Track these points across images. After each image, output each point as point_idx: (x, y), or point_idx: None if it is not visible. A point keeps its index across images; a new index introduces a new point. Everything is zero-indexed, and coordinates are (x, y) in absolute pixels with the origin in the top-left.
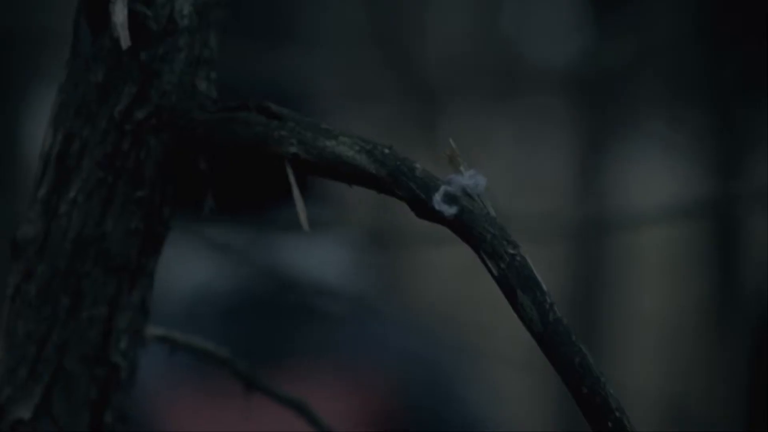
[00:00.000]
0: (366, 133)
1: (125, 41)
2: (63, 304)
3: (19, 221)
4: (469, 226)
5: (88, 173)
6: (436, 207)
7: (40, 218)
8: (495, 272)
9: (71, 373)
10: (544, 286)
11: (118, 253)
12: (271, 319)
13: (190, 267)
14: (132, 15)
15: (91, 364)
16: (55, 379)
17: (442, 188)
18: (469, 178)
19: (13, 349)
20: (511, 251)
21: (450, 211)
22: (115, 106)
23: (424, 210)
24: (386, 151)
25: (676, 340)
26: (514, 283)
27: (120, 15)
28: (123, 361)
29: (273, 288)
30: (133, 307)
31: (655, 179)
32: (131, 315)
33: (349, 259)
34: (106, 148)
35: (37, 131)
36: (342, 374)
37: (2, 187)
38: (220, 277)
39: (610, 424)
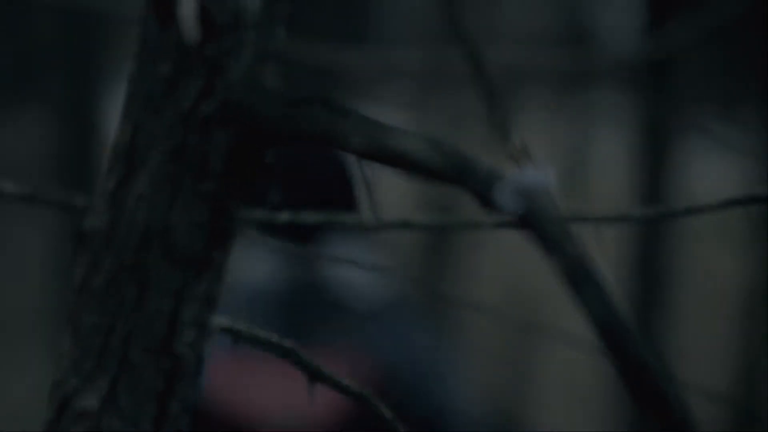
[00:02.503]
0: (437, 126)
1: (191, 35)
2: (129, 296)
3: (86, 213)
4: (531, 222)
5: (154, 166)
6: (499, 202)
7: (108, 210)
8: (557, 267)
9: (137, 365)
10: (605, 283)
11: (184, 245)
12: (301, 311)
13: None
14: (198, 9)
15: (156, 355)
16: (120, 370)
17: (506, 183)
18: (533, 175)
19: (79, 340)
20: (573, 247)
21: (512, 206)
22: (181, 100)
23: (487, 204)
24: (449, 147)
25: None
26: (576, 279)
27: (187, 9)
28: (188, 352)
29: (308, 285)
30: (198, 299)
31: (714, 172)
32: (197, 307)
33: (384, 262)
34: (172, 141)
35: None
36: (347, 360)
37: (80, 178)
38: (272, 274)
39: (671, 423)
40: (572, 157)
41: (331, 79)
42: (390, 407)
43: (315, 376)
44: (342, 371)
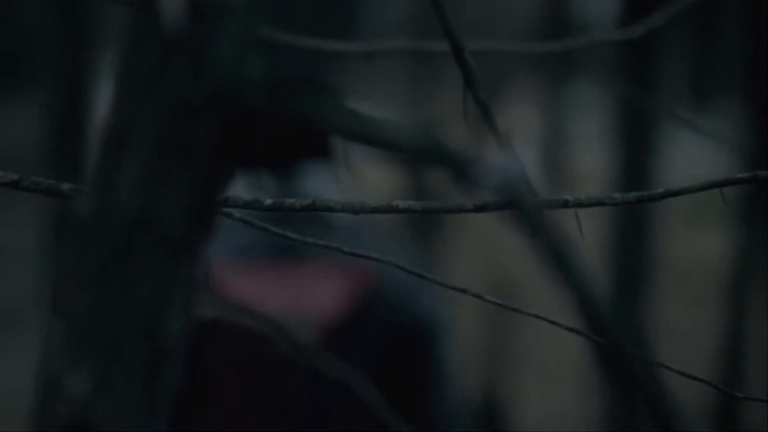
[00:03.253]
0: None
1: (175, 21)
2: (116, 280)
3: (75, 198)
4: (509, 204)
5: (142, 152)
6: (477, 183)
7: (96, 194)
8: (536, 249)
9: (125, 349)
10: (584, 264)
11: (171, 229)
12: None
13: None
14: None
15: (144, 338)
16: (108, 354)
17: (484, 165)
18: (512, 158)
19: (66, 325)
20: (552, 229)
21: (491, 188)
22: (167, 87)
23: (465, 185)
24: (427, 129)
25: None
26: (555, 260)
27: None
28: (175, 334)
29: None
30: (183, 282)
31: (690, 156)
32: (182, 289)
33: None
34: (159, 127)
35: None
36: (337, 268)
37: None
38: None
39: (648, 404)
40: (553, 140)
41: (318, 69)
42: (377, 318)
43: (304, 356)
44: (336, 284)
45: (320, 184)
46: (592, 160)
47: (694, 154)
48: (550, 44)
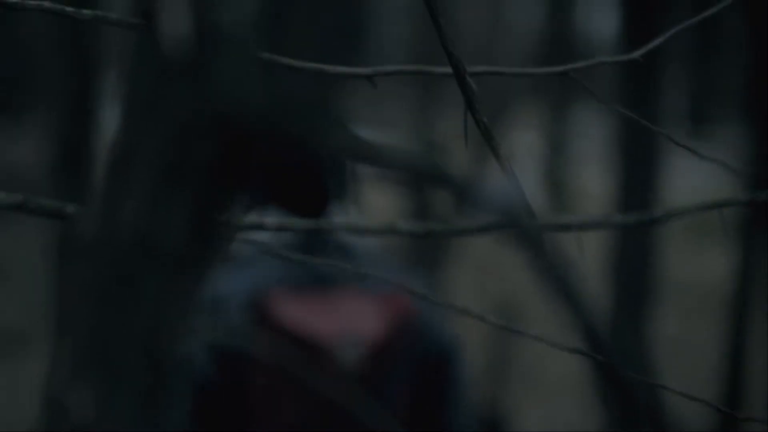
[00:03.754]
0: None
1: (176, 44)
2: (119, 300)
3: (78, 219)
4: (509, 226)
5: (145, 173)
6: (477, 205)
7: (97, 214)
8: (535, 270)
9: (128, 367)
10: (583, 285)
11: (174, 250)
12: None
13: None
14: (182, 19)
15: (146, 357)
16: (112, 373)
17: (484, 186)
18: (511, 179)
19: (71, 344)
20: (551, 250)
21: (490, 209)
22: (170, 108)
23: (463, 208)
24: (426, 153)
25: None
26: (554, 282)
27: (170, 19)
28: (177, 351)
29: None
30: (185, 303)
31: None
32: (184, 310)
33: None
34: (162, 148)
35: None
36: (371, 294)
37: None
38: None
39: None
40: (555, 158)
41: (321, 91)
42: (412, 341)
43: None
44: (374, 309)
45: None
46: (594, 178)
47: (695, 168)
48: (551, 66)
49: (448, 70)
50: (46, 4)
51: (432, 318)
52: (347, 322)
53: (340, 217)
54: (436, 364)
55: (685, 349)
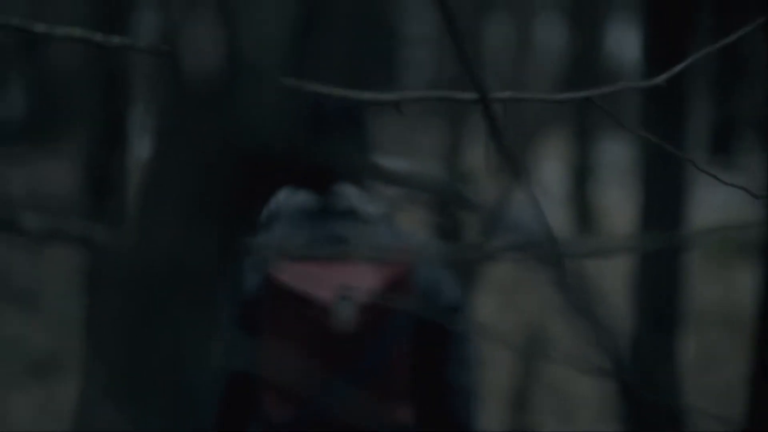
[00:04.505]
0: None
1: (201, 76)
2: (149, 323)
3: (110, 243)
4: (531, 250)
5: (176, 200)
6: (499, 231)
7: (130, 241)
8: (557, 292)
9: (159, 390)
10: (604, 308)
11: (203, 273)
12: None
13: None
14: (209, 50)
15: (176, 379)
16: (143, 395)
17: (506, 214)
18: (532, 204)
19: (102, 368)
20: (572, 273)
21: (512, 233)
22: (197, 136)
23: (488, 232)
24: (451, 181)
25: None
26: (575, 303)
27: (196, 50)
28: (201, 371)
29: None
30: (211, 323)
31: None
32: (209, 326)
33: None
34: (191, 176)
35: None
36: (375, 257)
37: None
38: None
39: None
40: (578, 183)
41: (349, 117)
42: (409, 297)
43: None
44: (374, 270)
45: (355, 197)
46: (618, 201)
47: (717, 193)
48: (575, 92)
49: (472, 95)
50: (76, 32)
51: (436, 278)
52: (345, 282)
53: (351, 191)
54: (436, 321)
55: (710, 370)
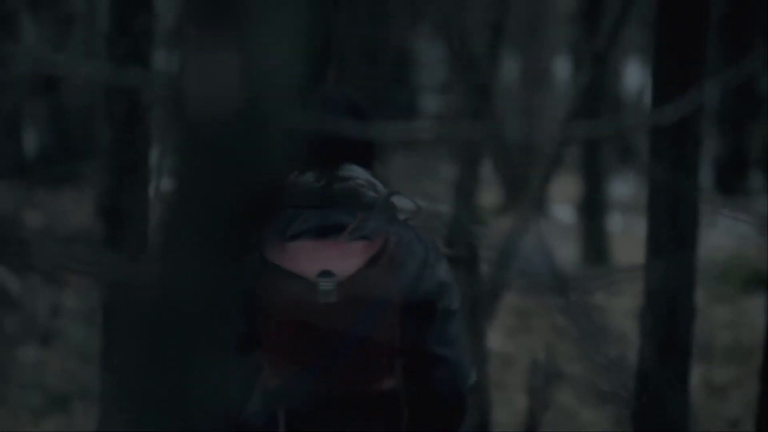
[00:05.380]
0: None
1: (211, 119)
2: (171, 354)
3: (129, 277)
4: (533, 289)
5: (192, 234)
6: (509, 266)
7: (147, 273)
8: (569, 325)
9: (180, 424)
10: (614, 340)
11: (223, 304)
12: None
13: None
14: (220, 92)
15: (197, 412)
16: (160, 422)
17: (516, 249)
18: (537, 245)
19: (120, 403)
20: (581, 307)
21: (525, 270)
22: (210, 171)
23: (498, 270)
24: (460, 218)
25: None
26: (587, 336)
27: (206, 94)
28: (218, 403)
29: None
30: (228, 352)
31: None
32: (227, 360)
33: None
34: (208, 210)
35: None
36: (366, 237)
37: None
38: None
39: None
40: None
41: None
42: (391, 275)
43: None
44: (359, 249)
45: (361, 175)
46: (628, 231)
47: (725, 227)
48: (585, 124)
49: (482, 132)
50: (94, 68)
51: (424, 256)
52: (332, 259)
53: (358, 171)
54: (424, 298)
55: (719, 399)
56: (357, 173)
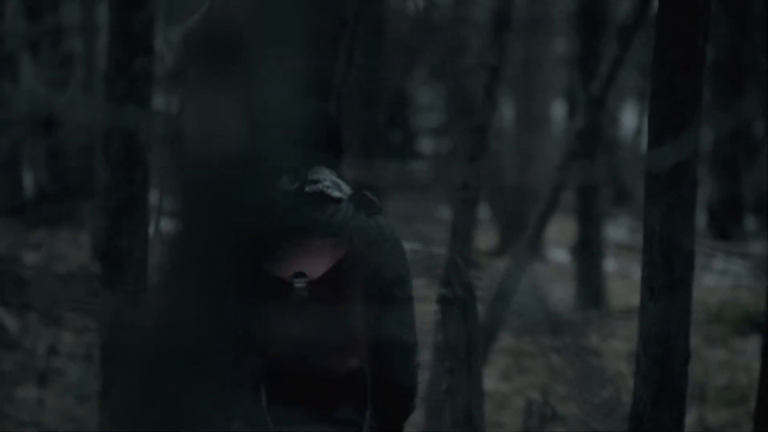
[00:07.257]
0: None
1: (211, 160)
2: (172, 391)
3: (128, 314)
4: (529, 330)
5: (194, 274)
6: (506, 309)
7: (148, 312)
8: (566, 366)
9: None
10: (608, 380)
11: (225, 341)
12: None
13: None
14: (219, 133)
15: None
16: None
17: (511, 293)
18: (532, 287)
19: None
20: (577, 348)
21: (517, 312)
22: (211, 215)
23: (494, 313)
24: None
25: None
26: (581, 376)
27: (206, 135)
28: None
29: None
30: (228, 391)
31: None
32: (227, 399)
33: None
34: (210, 251)
35: None
36: (333, 235)
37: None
38: None
39: None
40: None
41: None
42: (351, 267)
43: None
44: (327, 247)
45: (328, 177)
46: (624, 268)
47: (723, 266)
48: (580, 164)
49: (479, 175)
50: (93, 106)
51: (386, 252)
52: (302, 261)
53: (325, 174)
54: (386, 287)
55: None
56: (324, 175)
